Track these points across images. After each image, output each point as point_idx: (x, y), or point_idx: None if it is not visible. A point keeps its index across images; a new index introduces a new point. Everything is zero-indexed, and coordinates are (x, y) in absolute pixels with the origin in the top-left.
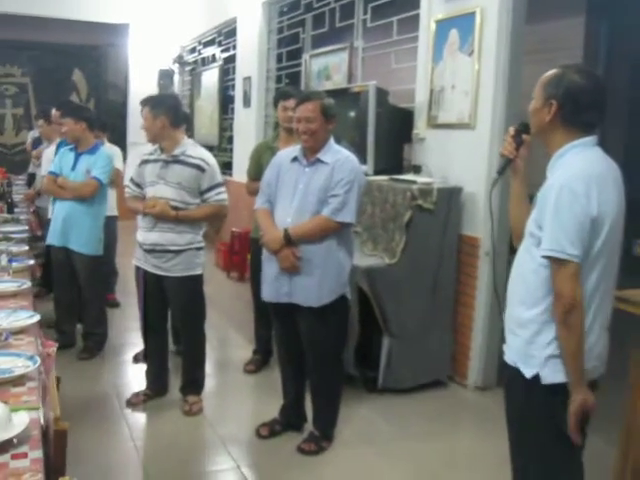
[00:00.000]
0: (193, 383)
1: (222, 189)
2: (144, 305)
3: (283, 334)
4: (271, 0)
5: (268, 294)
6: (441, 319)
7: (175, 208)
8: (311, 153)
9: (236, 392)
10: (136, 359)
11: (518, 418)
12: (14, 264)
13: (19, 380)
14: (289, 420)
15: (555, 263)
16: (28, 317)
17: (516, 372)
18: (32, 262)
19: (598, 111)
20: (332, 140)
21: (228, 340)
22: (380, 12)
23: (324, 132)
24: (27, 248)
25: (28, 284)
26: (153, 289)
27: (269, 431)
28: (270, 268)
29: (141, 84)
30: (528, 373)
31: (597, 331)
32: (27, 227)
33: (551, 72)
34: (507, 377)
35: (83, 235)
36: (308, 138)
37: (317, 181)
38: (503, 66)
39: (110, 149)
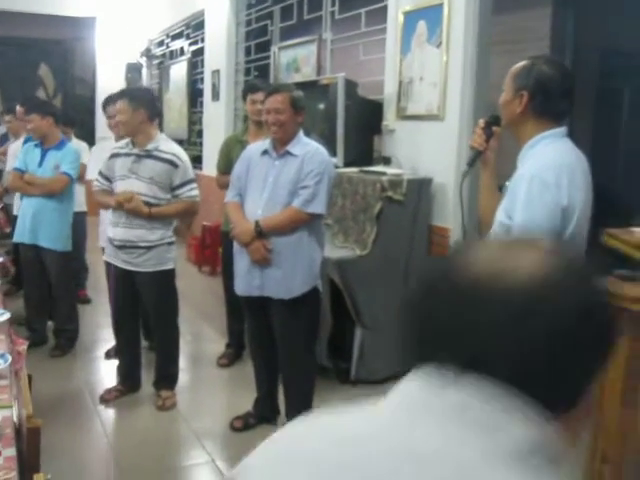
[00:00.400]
0: (166, 378)
1: (194, 185)
2: (115, 301)
3: (255, 327)
4: None
5: (240, 288)
6: None
7: (146, 203)
8: (280, 145)
9: (209, 386)
10: (108, 355)
11: None
12: None
13: None
14: (263, 413)
15: None
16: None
17: None
18: (1, 259)
19: (567, 100)
20: (301, 133)
21: (201, 334)
22: (348, 4)
23: (293, 124)
24: None
25: None
26: (124, 285)
27: (243, 424)
28: (242, 261)
29: (109, 78)
30: None
31: None
32: None
33: (520, 64)
34: None
35: (53, 231)
36: (277, 129)
37: (287, 173)
38: (471, 57)
39: (78, 145)
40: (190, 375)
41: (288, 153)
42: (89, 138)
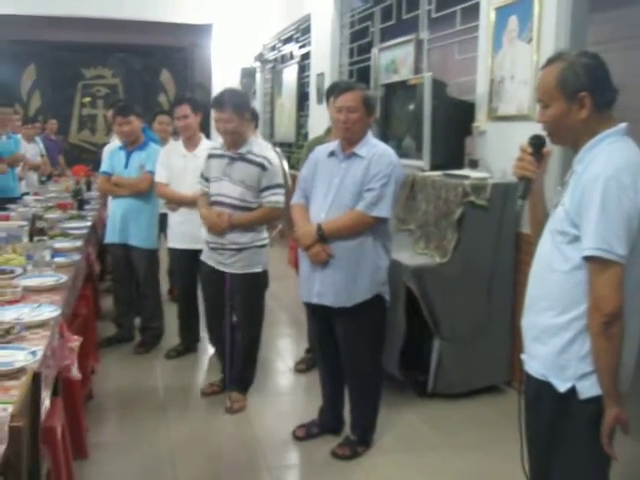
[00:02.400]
0: (240, 381)
1: (279, 190)
2: (205, 300)
3: (318, 335)
4: None
5: (302, 293)
6: (498, 321)
7: (235, 206)
8: (348, 146)
9: (283, 391)
10: (169, 355)
11: (549, 434)
12: (57, 259)
13: (15, 374)
14: (326, 423)
15: (598, 265)
16: (50, 312)
17: (545, 385)
18: (77, 257)
19: (612, 84)
20: (370, 134)
21: (286, 338)
22: (445, 2)
23: (364, 124)
24: (79, 244)
25: (64, 279)
26: (213, 284)
27: (305, 433)
28: (304, 266)
29: (224, 83)
30: (562, 387)
31: (634, 340)
32: (90, 224)
33: (555, 69)
34: (532, 391)
35: (142, 230)
36: (348, 128)
37: (353, 175)
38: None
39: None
40: (265, 379)
41: (355, 155)
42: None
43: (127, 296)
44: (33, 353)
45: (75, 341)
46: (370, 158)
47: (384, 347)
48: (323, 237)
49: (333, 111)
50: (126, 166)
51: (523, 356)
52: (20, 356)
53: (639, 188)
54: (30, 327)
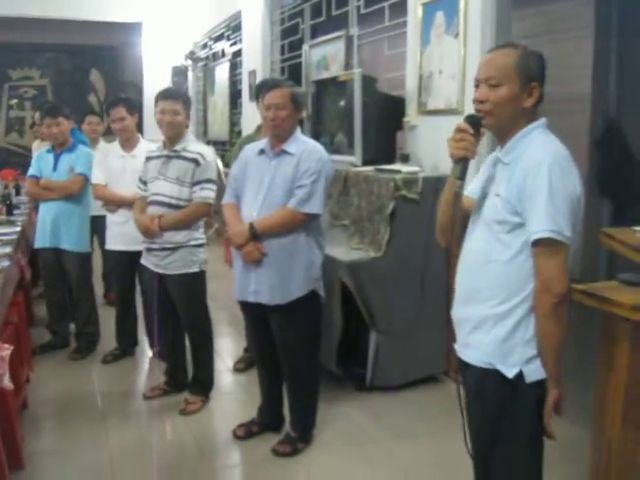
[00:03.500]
0: (195, 382)
1: (208, 185)
2: (150, 304)
3: (254, 333)
4: None
5: (236, 292)
6: (432, 313)
7: (171, 205)
8: (277, 143)
9: (222, 391)
10: (105, 360)
11: (494, 420)
12: None
13: None
14: (266, 421)
15: (548, 247)
16: None
17: (489, 372)
18: (6, 263)
19: None
20: (299, 131)
21: (224, 337)
22: None
23: (293, 121)
24: (8, 250)
25: None
26: (156, 288)
27: (245, 432)
28: (237, 265)
29: (156, 82)
30: (509, 372)
31: None
32: (19, 229)
33: (514, 53)
34: (474, 379)
35: (74, 233)
36: (277, 125)
37: (283, 173)
38: (490, 48)
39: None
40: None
41: (284, 152)
42: None
43: (60, 301)
44: None
45: (6, 350)
46: (300, 155)
47: (321, 342)
48: (256, 236)
49: (262, 109)
50: (55, 169)
51: (457, 346)
52: None
53: (574, 172)
54: None
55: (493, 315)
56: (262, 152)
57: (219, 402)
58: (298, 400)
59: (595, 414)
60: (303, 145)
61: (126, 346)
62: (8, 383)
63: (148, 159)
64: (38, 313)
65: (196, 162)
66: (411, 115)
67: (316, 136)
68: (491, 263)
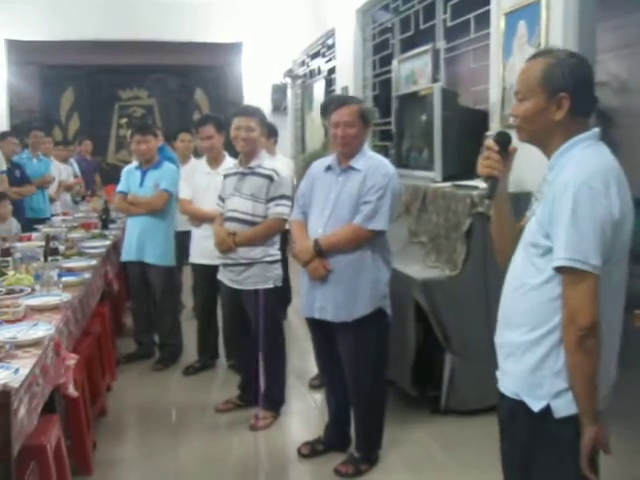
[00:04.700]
0: (266, 398)
1: (283, 202)
2: (224, 319)
3: (320, 350)
4: (364, 7)
5: (303, 309)
6: None
7: (246, 221)
8: (345, 159)
9: (295, 407)
10: (187, 372)
11: (526, 458)
12: (67, 278)
13: None
14: (331, 440)
15: (571, 276)
16: (44, 330)
17: (519, 405)
18: (87, 276)
19: (594, 92)
20: (366, 146)
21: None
22: (460, 10)
23: (361, 138)
24: (93, 263)
25: (68, 298)
26: (229, 301)
27: (310, 450)
28: (304, 281)
29: (256, 100)
30: (536, 406)
31: (611, 354)
32: (110, 243)
33: (542, 63)
34: (506, 410)
35: (158, 247)
36: (345, 143)
37: (349, 189)
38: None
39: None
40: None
41: (351, 168)
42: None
43: (144, 313)
44: (16, 371)
45: (71, 359)
46: (366, 171)
47: (391, 362)
48: (321, 252)
49: (330, 126)
50: (141, 185)
51: (497, 373)
52: (3, 374)
53: (612, 194)
54: (22, 346)
55: (524, 342)
56: (329, 168)
57: (290, 418)
58: (363, 420)
59: None
60: (370, 161)
61: (206, 359)
62: (72, 391)
63: (225, 176)
64: (129, 324)
65: (270, 178)
66: (494, 129)
67: (398, 151)
68: (524, 287)
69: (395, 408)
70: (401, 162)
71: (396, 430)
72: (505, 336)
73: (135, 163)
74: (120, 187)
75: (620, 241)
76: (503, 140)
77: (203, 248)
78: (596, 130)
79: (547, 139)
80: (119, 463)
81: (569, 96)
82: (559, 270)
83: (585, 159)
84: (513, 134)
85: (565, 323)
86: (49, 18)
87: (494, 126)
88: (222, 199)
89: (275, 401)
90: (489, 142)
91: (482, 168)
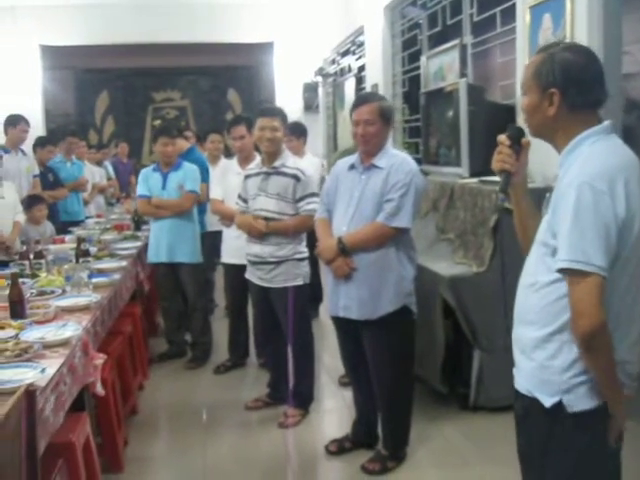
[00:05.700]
0: (297, 396)
1: (314, 199)
2: (255, 317)
3: (346, 349)
4: (393, 4)
5: (328, 307)
6: None
7: (272, 219)
8: (367, 158)
9: (325, 404)
10: (217, 371)
11: (539, 452)
12: (97, 279)
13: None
14: (359, 437)
15: (574, 277)
16: (73, 331)
17: (532, 401)
18: (116, 277)
19: (600, 85)
20: (389, 144)
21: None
22: (487, 5)
23: (382, 135)
24: (124, 264)
25: (97, 298)
26: (259, 300)
27: (338, 447)
28: (328, 280)
29: (287, 99)
30: (547, 402)
31: (627, 350)
32: (141, 244)
33: (536, 59)
34: (520, 407)
35: (188, 246)
36: (366, 141)
37: (373, 187)
38: (598, 52)
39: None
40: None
41: (374, 166)
42: None
43: (175, 312)
44: (43, 371)
45: (99, 358)
46: (389, 168)
47: (425, 359)
48: (344, 250)
49: (352, 124)
50: (164, 187)
51: (513, 370)
52: (30, 374)
53: (617, 194)
54: (51, 346)
55: (534, 339)
56: (352, 167)
57: (319, 416)
58: (389, 417)
59: None
60: (393, 158)
61: (237, 357)
62: (100, 390)
63: (247, 177)
64: (162, 324)
65: (296, 178)
66: (521, 124)
67: (425, 148)
68: (536, 285)
69: (424, 405)
70: (430, 159)
71: (425, 427)
72: (519, 332)
73: (152, 166)
74: (141, 191)
75: (631, 240)
76: (516, 134)
77: (234, 248)
78: (606, 123)
79: (550, 134)
80: (150, 460)
81: (559, 92)
82: (562, 272)
83: (591, 157)
84: None
85: (571, 324)
86: (82, 23)
87: (520, 121)
88: (243, 199)
89: (304, 398)
90: (501, 137)
91: (495, 162)
